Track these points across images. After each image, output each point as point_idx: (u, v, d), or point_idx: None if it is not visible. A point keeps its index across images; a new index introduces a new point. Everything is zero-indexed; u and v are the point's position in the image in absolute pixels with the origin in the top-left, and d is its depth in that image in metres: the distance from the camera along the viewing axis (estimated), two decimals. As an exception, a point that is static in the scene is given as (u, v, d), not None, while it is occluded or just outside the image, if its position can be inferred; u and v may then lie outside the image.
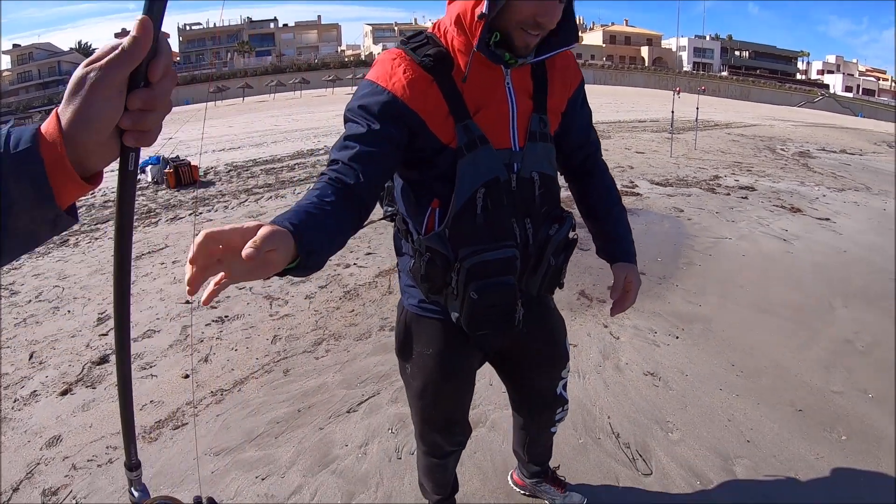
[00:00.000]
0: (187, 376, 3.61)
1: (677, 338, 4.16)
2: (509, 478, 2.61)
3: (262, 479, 2.66)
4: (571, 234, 1.66)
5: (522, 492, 2.54)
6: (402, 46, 1.42)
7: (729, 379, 3.64)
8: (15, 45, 68.72)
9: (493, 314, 1.56)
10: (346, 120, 1.40)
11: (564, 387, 2.02)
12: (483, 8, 1.26)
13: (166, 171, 9.21)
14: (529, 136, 1.50)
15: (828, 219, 8.40)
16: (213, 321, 4.38)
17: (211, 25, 74.78)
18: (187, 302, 4.70)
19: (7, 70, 67.49)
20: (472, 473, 2.69)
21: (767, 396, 3.46)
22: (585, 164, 1.81)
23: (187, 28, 74.82)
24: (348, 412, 3.20)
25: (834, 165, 14.86)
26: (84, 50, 71.09)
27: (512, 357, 1.90)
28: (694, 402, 3.33)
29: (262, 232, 0.88)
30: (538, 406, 2.06)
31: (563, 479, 2.53)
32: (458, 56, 1.40)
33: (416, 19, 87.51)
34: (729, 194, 9.43)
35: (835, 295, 5.23)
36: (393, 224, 1.72)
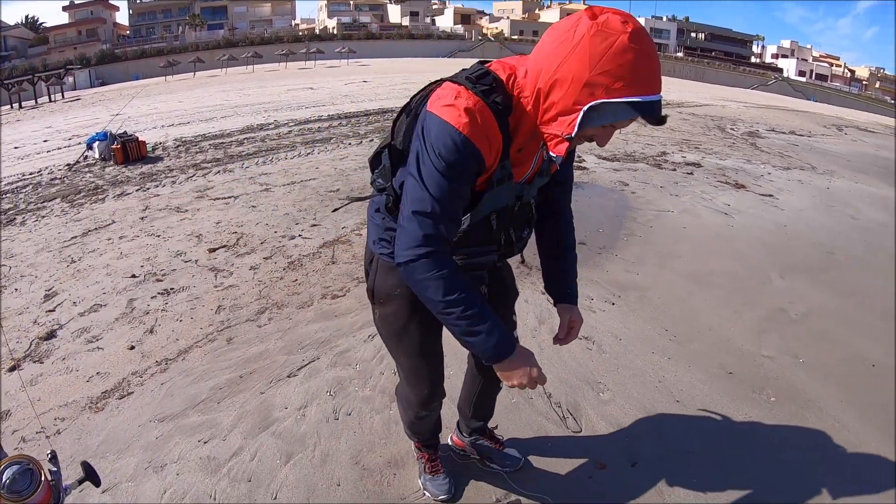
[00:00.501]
0: (133, 348, 3.63)
1: (613, 304, 4.33)
2: (449, 439, 2.69)
3: (205, 443, 2.72)
4: None
5: (461, 451, 2.64)
6: (473, 89, 1.46)
7: (662, 343, 3.80)
8: (-43, 19, 65.95)
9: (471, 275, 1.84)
10: (439, 169, 1.45)
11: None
12: (574, 129, 1.35)
13: (114, 146, 9.02)
14: (539, 172, 1.73)
15: (771, 195, 8.68)
16: (158, 294, 4.39)
17: (162, -2, 72.85)
18: (133, 276, 4.69)
19: (-52, 44, 64.82)
20: (405, 435, 2.77)
21: (699, 360, 3.63)
22: (558, 203, 1.99)
23: (137, 1, 72.57)
24: (288, 377, 3.28)
25: (782, 145, 15.26)
26: (31, 24, 68.51)
27: None
28: (626, 365, 3.48)
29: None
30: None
31: (500, 437, 2.65)
32: (518, 107, 1.48)
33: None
34: (675, 170, 9.67)
35: (772, 267, 5.45)
36: (382, 196, 1.82)
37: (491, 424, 2.69)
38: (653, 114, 1.32)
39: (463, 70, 1.55)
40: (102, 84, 43.49)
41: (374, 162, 1.83)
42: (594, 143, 1.49)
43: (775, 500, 2.54)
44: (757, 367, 3.65)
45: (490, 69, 1.51)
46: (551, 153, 1.46)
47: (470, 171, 1.48)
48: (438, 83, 1.58)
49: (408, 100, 1.70)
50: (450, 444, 2.67)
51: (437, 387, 2.08)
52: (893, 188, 10.57)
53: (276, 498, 2.39)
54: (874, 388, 3.56)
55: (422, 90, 1.66)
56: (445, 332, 1.76)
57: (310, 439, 2.74)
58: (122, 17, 72.84)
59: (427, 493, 2.39)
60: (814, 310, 4.60)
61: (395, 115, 1.74)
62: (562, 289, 1.98)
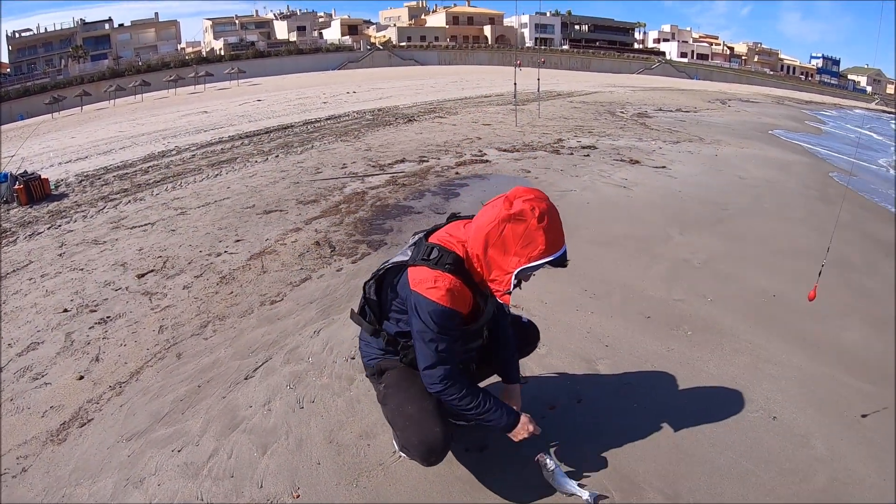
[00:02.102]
0: (82, 378, 3.63)
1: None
2: None
3: (178, 451, 2.80)
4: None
5: None
6: (431, 265, 2.16)
7: (583, 301, 4.22)
8: None
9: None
10: (439, 335, 2.13)
11: (528, 320, 2.89)
12: (510, 286, 2.09)
13: (16, 187, 8.67)
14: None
15: (664, 167, 9.34)
16: (95, 324, 4.36)
17: (42, 31, 68.91)
18: (65, 310, 4.65)
19: None
20: (371, 408, 2.99)
21: (619, 310, 4.09)
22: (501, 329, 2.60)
23: (16, 35, 68.33)
24: (246, 379, 3.40)
25: (670, 122, 16.24)
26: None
27: None
28: (555, 323, 3.87)
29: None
30: (522, 341, 2.78)
31: None
32: (475, 265, 2.17)
33: (257, 11, 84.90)
34: (572, 154, 10.24)
35: (672, 226, 5.98)
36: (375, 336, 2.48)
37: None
38: (562, 264, 2.09)
39: (421, 250, 2.22)
40: (-15, 127, 40.72)
41: (362, 313, 2.52)
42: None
43: (706, 414, 2.95)
44: (671, 309, 4.15)
45: (444, 247, 2.19)
46: (499, 300, 2.19)
47: (458, 327, 2.19)
48: (406, 264, 2.25)
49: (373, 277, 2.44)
50: None
51: (447, 424, 2.30)
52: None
53: (262, 487, 2.52)
54: (777, 313, 4.22)
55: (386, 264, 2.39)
56: None
57: (281, 429, 2.89)
58: (2, 54, 68.49)
59: (403, 454, 2.60)
60: (714, 256, 5.20)
61: (365, 280, 2.47)
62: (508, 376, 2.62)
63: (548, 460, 2.38)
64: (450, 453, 2.64)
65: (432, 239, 2.26)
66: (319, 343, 3.74)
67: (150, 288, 4.94)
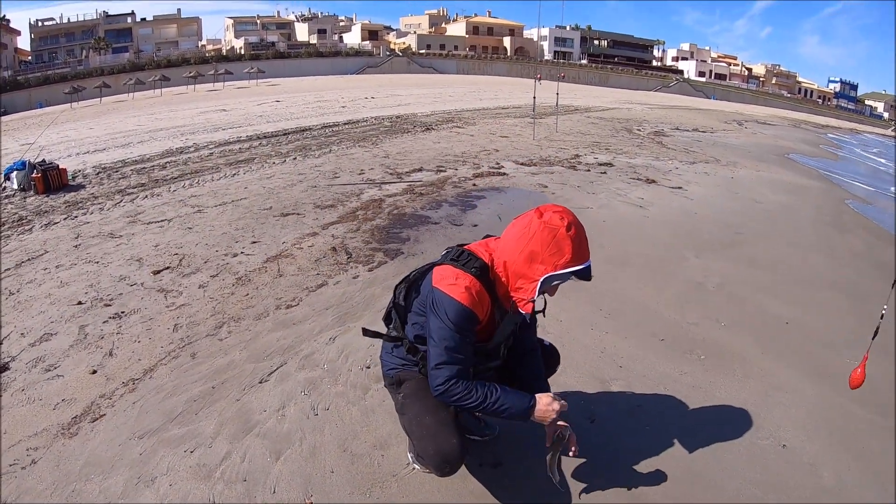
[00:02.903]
0: (95, 372, 3.66)
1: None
2: None
3: (191, 452, 2.81)
4: None
5: None
6: (462, 267, 2.21)
7: (598, 320, 4.22)
8: None
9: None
10: (453, 330, 2.15)
11: (551, 343, 2.83)
12: (533, 295, 2.11)
13: (33, 175, 8.71)
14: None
15: (680, 187, 9.32)
16: (109, 318, 4.38)
17: (65, 21, 69.65)
18: (79, 302, 4.68)
19: None
20: (385, 419, 3.02)
21: (633, 331, 4.09)
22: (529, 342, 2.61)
23: (39, 24, 69.04)
24: (260, 383, 3.41)
25: (686, 142, 16.23)
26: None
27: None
28: (571, 341, 3.87)
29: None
30: (535, 370, 2.64)
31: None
32: (500, 273, 2.21)
33: (278, 12, 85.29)
34: (589, 170, 10.25)
35: (687, 248, 5.98)
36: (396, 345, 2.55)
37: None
38: (586, 276, 2.13)
39: (451, 252, 2.30)
40: (5, 113, 41.00)
41: (387, 319, 2.58)
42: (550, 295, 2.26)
43: (716, 438, 2.96)
44: (685, 332, 4.16)
45: (473, 252, 2.25)
46: (521, 310, 2.19)
47: (472, 328, 2.20)
48: (435, 264, 2.33)
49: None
50: None
51: (462, 435, 2.31)
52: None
53: (274, 492, 2.54)
54: (789, 340, 4.21)
55: (419, 269, 2.51)
56: None
57: (295, 435, 2.90)
58: (24, 42, 68.90)
59: (417, 466, 2.62)
60: (728, 280, 5.20)
61: (397, 282, 2.55)
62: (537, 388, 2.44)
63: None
64: (464, 467, 2.64)
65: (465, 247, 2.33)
66: (335, 350, 3.76)
67: (165, 285, 4.96)
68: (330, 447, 2.81)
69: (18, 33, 67.01)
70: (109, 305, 4.61)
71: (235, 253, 5.68)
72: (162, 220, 6.93)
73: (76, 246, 6.12)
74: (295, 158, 11.08)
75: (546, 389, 2.45)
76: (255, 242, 5.99)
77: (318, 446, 2.82)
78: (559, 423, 2.28)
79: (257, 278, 5.05)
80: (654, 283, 5.09)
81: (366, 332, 2.62)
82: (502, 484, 2.60)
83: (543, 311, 2.44)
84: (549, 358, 2.74)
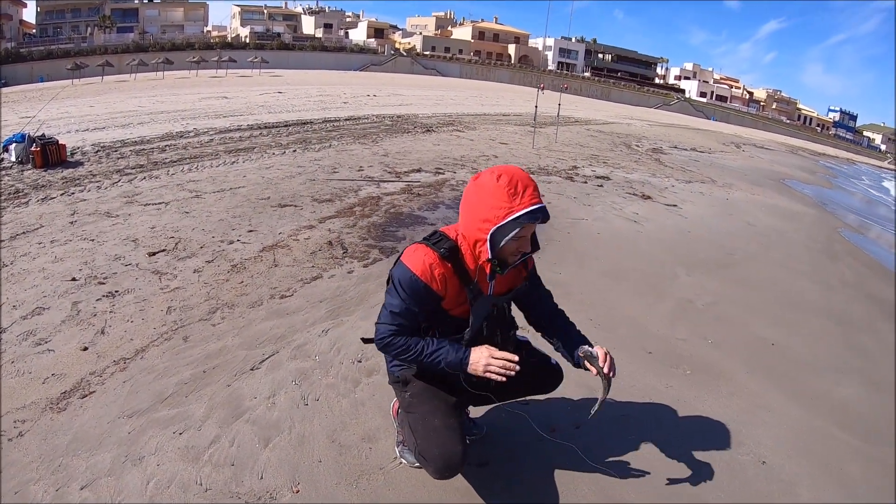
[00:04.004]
0: (86, 349, 3.67)
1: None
2: None
3: (180, 434, 2.84)
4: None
5: None
6: (427, 244, 2.24)
7: (589, 331, 4.16)
8: None
9: (483, 383, 2.36)
10: (396, 293, 2.23)
11: (557, 362, 2.75)
12: (487, 254, 2.14)
13: (32, 149, 8.66)
14: (506, 291, 2.41)
15: (675, 205, 9.41)
16: (103, 296, 4.39)
17: (73, -5, 69.33)
18: (73, 279, 4.68)
19: None
20: (375, 412, 3.06)
21: (622, 343, 4.15)
22: (547, 315, 2.62)
23: None
24: (252, 370, 3.44)
25: (684, 161, 16.35)
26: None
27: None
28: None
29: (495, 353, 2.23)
30: (545, 380, 2.74)
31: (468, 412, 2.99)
32: (466, 252, 2.23)
33: (286, 3, 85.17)
34: (586, 182, 10.33)
35: (679, 265, 6.05)
36: None
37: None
38: (535, 219, 2.08)
39: (433, 234, 2.31)
40: (5, 85, 40.68)
41: None
42: (523, 252, 2.23)
43: (699, 452, 3.01)
44: (673, 347, 4.23)
45: (445, 233, 2.28)
46: (488, 278, 2.26)
47: (421, 299, 2.22)
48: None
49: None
50: None
51: (464, 445, 2.33)
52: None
53: (262, 478, 2.56)
54: (774, 361, 4.29)
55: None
56: None
57: (284, 423, 2.93)
58: (30, 15, 68.49)
59: (404, 461, 2.66)
60: (718, 300, 5.28)
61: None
62: (575, 344, 2.48)
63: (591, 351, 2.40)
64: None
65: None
66: (327, 343, 3.79)
67: (160, 267, 4.98)
68: (318, 437, 2.84)
69: (24, 5, 66.65)
70: (103, 284, 4.62)
71: (232, 240, 5.70)
72: (159, 203, 6.94)
73: (72, 222, 6.12)
74: (295, 150, 11.11)
75: (584, 340, 2.50)
76: (251, 231, 6.01)
77: (307, 436, 2.85)
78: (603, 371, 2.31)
79: (252, 267, 5.07)
80: (645, 297, 5.15)
81: (366, 341, 2.61)
82: (488, 483, 2.63)
83: (527, 278, 2.49)
84: (547, 377, 2.72)
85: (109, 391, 3.20)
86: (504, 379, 2.21)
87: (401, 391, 2.51)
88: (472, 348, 2.24)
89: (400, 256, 2.30)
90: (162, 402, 3.11)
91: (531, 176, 2.16)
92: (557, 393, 3.36)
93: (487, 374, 2.20)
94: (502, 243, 2.10)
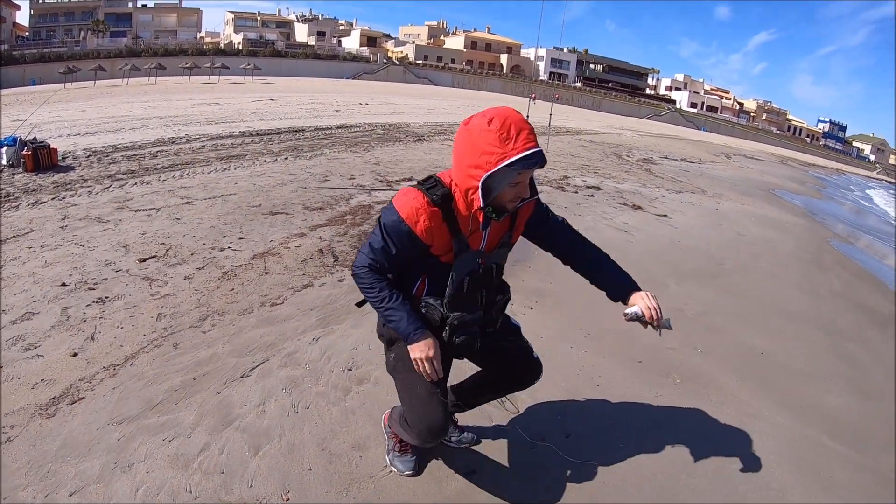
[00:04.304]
0: (76, 354, 3.65)
1: (532, 308, 4.82)
2: None
3: (170, 441, 2.82)
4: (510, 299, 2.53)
5: None
6: (420, 188, 2.12)
7: (578, 339, 4.31)
8: None
9: (465, 346, 2.33)
10: (380, 231, 2.15)
11: (539, 357, 2.66)
12: (479, 203, 2.02)
13: (24, 152, 8.62)
14: (498, 245, 2.30)
15: (665, 215, 9.47)
16: (93, 302, 4.37)
17: (65, 0, 69.15)
18: (63, 284, 4.66)
19: None
20: (365, 421, 3.06)
21: (612, 352, 4.18)
22: (568, 245, 2.50)
23: (40, 1, 68.51)
24: (242, 377, 3.43)
25: (674, 171, 16.45)
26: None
27: (477, 353, 2.48)
28: (549, 358, 3.85)
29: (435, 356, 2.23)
30: (522, 371, 2.64)
31: (456, 419, 2.99)
32: (458, 199, 2.11)
33: (279, 10, 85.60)
34: (577, 192, 10.38)
35: (669, 275, 6.08)
36: None
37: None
38: (531, 165, 1.95)
39: (428, 178, 2.19)
40: (-3, 87, 40.37)
41: None
42: (521, 199, 2.12)
43: (688, 460, 3.04)
44: (662, 356, 4.26)
45: (440, 179, 2.15)
46: (505, 210, 2.13)
47: (402, 241, 2.13)
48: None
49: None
50: None
51: (447, 413, 2.36)
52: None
53: (252, 486, 2.56)
54: (764, 371, 4.33)
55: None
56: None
57: (274, 431, 2.93)
58: (23, 18, 68.24)
59: (394, 469, 2.66)
60: (707, 309, 5.32)
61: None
62: (620, 288, 2.38)
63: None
64: (439, 474, 2.70)
65: None
66: (318, 351, 3.79)
67: (150, 274, 4.96)
68: (308, 445, 2.84)
69: (18, 8, 66.36)
70: (93, 289, 4.60)
71: (223, 247, 5.69)
72: (150, 209, 6.92)
73: (63, 227, 6.09)
74: (286, 158, 11.10)
75: (630, 285, 2.38)
76: (242, 238, 6.00)
77: (297, 444, 2.85)
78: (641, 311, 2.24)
79: (243, 274, 5.06)
80: (635, 307, 5.17)
81: (360, 304, 2.58)
82: (477, 492, 2.64)
83: (528, 224, 2.41)
84: (525, 372, 2.66)
85: (99, 397, 3.19)
86: (428, 380, 2.25)
87: (386, 350, 2.49)
88: (423, 334, 2.20)
89: (392, 198, 2.22)
90: (152, 409, 3.10)
91: (526, 119, 2.03)
92: (546, 401, 3.40)
93: (416, 364, 2.23)
94: (496, 191, 2.03)
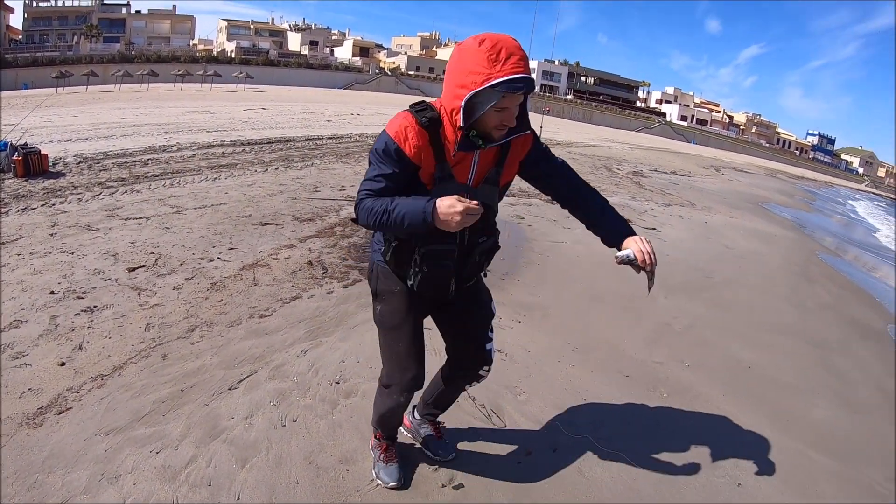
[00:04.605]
0: (63, 364, 3.64)
1: (520, 322, 4.83)
2: None
3: (157, 453, 2.81)
4: (496, 244, 2.44)
5: (405, 432, 3.02)
6: (410, 110, 2.09)
7: (566, 353, 4.33)
8: None
9: (435, 283, 2.31)
10: (374, 161, 2.11)
11: (491, 350, 2.62)
12: (460, 122, 1.98)
13: (14, 158, 8.59)
14: (484, 180, 2.22)
15: (654, 228, 9.52)
16: (81, 311, 4.35)
17: (60, 4, 69.19)
18: (52, 292, 4.65)
19: None
20: (352, 434, 3.06)
21: (599, 366, 4.20)
22: (565, 186, 2.43)
23: (34, 4, 68.49)
24: (230, 389, 3.42)
25: (664, 184, 16.56)
26: None
27: (448, 312, 2.54)
28: (537, 372, 3.97)
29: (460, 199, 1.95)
30: (466, 354, 2.63)
31: (442, 428, 3.01)
32: (446, 124, 2.07)
33: (273, 19, 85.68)
34: (565, 205, 10.40)
35: (657, 288, 6.05)
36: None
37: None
38: (517, 89, 1.89)
39: (419, 102, 2.15)
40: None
41: None
42: (507, 126, 2.04)
43: (676, 474, 3.07)
44: (650, 370, 4.29)
45: (431, 104, 2.12)
46: (492, 139, 2.06)
47: (392, 160, 2.07)
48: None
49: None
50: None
51: (422, 368, 2.42)
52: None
53: (238, 499, 2.55)
54: (751, 384, 4.38)
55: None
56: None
57: (261, 444, 2.92)
58: (16, 21, 68.07)
59: (379, 481, 2.67)
60: (695, 323, 5.36)
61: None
62: (617, 233, 2.32)
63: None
64: (426, 488, 2.70)
65: None
66: (305, 363, 3.78)
67: (139, 283, 4.95)
68: (296, 458, 2.84)
69: (12, 10, 66.11)
70: (82, 298, 4.59)
71: (212, 258, 5.69)
72: (140, 218, 6.91)
73: (52, 234, 6.07)
74: (277, 168, 11.12)
75: (625, 232, 2.31)
76: (232, 249, 6.00)
77: (284, 457, 2.84)
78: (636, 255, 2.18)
79: (232, 285, 5.06)
80: (623, 320, 5.22)
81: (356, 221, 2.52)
82: (463, 506, 2.65)
83: (527, 158, 2.31)
84: (470, 359, 2.63)
85: (87, 408, 3.17)
86: (477, 210, 1.98)
87: (373, 301, 2.50)
88: (434, 202, 1.98)
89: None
90: (139, 420, 3.09)
91: (521, 47, 1.96)
92: (533, 415, 3.41)
93: (456, 222, 1.96)
94: (480, 112, 1.94)
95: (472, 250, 2.32)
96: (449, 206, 1.94)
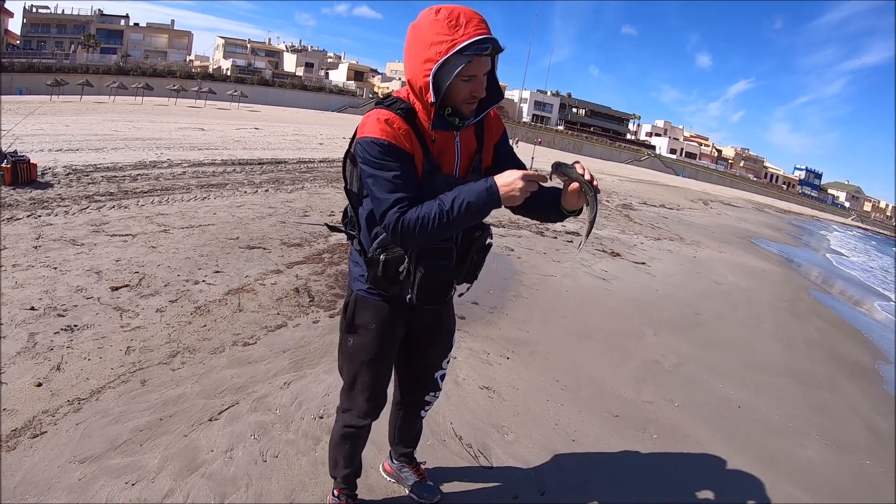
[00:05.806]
0: (40, 385, 3.54)
1: (508, 358, 4.77)
2: (380, 467, 3.01)
3: (133, 485, 2.72)
4: (489, 241, 2.32)
5: (389, 478, 2.94)
6: (381, 106, 1.98)
7: (554, 392, 4.27)
8: None
9: (435, 287, 2.15)
10: (377, 165, 1.91)
11: (442, 378, 2.59)
12: (431, 98, 1.88)
13: (3, 165, 8.43)
14: (471, 171, 2.14)
15: (643, 263, 9.54)
16: (61, 329, 4.24)
17: (59, 11, 69.42)
18: (32, 308, 4.54)
19: None
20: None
21: (588, 405, 4.14)
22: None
23: (34, 10, 68.76)
24: (210, 420, 3.33)
25: (653, 218, 16.64)
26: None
27: (416, 336, 2.44)
28: (525, 411, 3.90)
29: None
30: (417, 381, 2.59)
31: (424, 469, 2.93)
32: (420, 113, 1.98)
33: (269, 39, 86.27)
34: (556, 238, 10.44)
35: (646, 325, 6.09)
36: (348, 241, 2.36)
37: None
38: (484, 49, 1.82)
39: (386, 97, 2.05)
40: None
41: (344, 215, 2.38)
42: (476, 97, 1.95)
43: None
44: (639, 410, 4.23)
45: (399, 96, 2.02)
46: (463, 115, 1.97)
47: (397, 158, 1.91)
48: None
49: (345, 149, 2.13)
50: (381, 471, 2.98)
51: (385, 398, 2.45)
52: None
53: (214, 536, 2.47)
54: (740, 424, 4.34)
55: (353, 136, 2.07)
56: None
57: (241, 481, 2.83)
58: (15, 26, 68.38)
59: None
60: (684, 361, 5.34)
61: (341, 162, 2.19)
62: (555, 197, 2.16)
63: None
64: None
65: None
66: (289, 396, 3.70)
67: (122, 304, 4.86)
68: (276, 497, 2.75)
69: (11, 15, 66.30)
70: (63, 316, 4.48)
71: (197, 280, 5.60)
72: (126, 235, 6.81)
73: (36, 247, 5.96)
74: (267, 190, 11.05)
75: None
76: (217, 272, 5.91)
77: (264, 494, 2.76)
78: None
79: (216, 310, 4.97)
80: (612, 358, 5.17)
81: (331, 227, 2.51)
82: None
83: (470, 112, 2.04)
84: (418, 384, 2.62)
85: (62, 433, 3.07)
86: (536, 175, 1.92)
87: (345, 333, 2.39)
88: (494, 182, 1.88)
89: (356, 135, 2.01)
90: (115, 448, 2.99)
91: (478, 12, 1.89)
92: (521, 455, 3.34)
93: (521, 191, 1.86)
94: (448, 82, 1.84)
95: (469, 247, 2.23)
96: (509, 176, 1.86)
